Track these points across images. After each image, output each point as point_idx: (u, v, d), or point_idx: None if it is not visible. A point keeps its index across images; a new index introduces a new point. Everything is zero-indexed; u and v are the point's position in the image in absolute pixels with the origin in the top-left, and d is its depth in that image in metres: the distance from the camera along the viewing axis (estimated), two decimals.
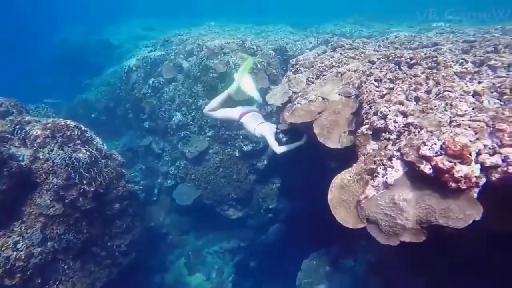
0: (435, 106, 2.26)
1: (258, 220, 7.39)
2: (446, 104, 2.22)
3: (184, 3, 27.77)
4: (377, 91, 2.87)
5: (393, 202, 1.94)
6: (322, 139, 3.07)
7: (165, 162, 7.76)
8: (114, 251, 5.49)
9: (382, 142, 2.34)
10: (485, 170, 1.74)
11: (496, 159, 1.72)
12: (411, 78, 2.91)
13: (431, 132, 1.99)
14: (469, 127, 1.87)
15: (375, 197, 2.07)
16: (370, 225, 2.05)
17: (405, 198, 1.90)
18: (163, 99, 7.75)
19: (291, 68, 4.43)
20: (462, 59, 3.01)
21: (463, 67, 2.88)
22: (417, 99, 2.52)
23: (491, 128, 1.84)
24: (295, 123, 3.38)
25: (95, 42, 14.96)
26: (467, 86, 2.44)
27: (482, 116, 1.95)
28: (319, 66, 4.02)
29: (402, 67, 3.32)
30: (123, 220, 5.64)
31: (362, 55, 4.05)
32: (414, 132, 2.12)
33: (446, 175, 1.70)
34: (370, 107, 2.75)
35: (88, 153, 4.94)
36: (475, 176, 1.71)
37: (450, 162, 1.70)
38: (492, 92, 2.23)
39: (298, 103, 3.50)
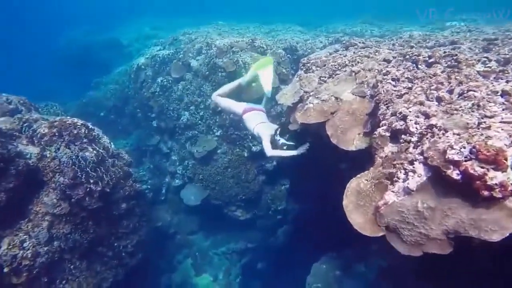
0: (460, 107, 2.11)
1: (266, 221, 7.27)
2: (473, 104, 2.07)
3: (193, 2, 27.78)
4: (394, 90, 2.72)
5: (416, 209, 1.80)
6: (335, 140, 2.92)
7: (173, 162, 7.70)
8: (120, 251, 5.45)
9: (402, 144, 2.19)
10: None
11: None
12: (431, 77, 2.77)
13: (458, 135, 1.84)
14: (502, 129, 1.71)
15: (395, 204, 1.92)
16: (390, 233, 1.90)
17: (429, 206, 1.75)
18: (172, 98, 7.68)
19: (302, 67, 4.29)
20: (485, 57, 2.86)
21: (487, 65, 2.73)
22: (439, 99, 2.37)
23: None
24: (306, 123, 3.25)
25: (105, 41, 15.00)
26: (493, 86, 2.28)
27: None
28: (331, 65, 3.87)
29: (420, 66, 3.17)
30: (130, 220, 5.60)
31: (376, 53, 3.89)
32: (438, 135, 1.97)
33: (478, 182, 1.55)
34: (388, 107, 2.60)
35: (95, 152, 4.90)
36: None
37: (482, 167, 1.55)
38: None
39: (310, 102, 3.36)
